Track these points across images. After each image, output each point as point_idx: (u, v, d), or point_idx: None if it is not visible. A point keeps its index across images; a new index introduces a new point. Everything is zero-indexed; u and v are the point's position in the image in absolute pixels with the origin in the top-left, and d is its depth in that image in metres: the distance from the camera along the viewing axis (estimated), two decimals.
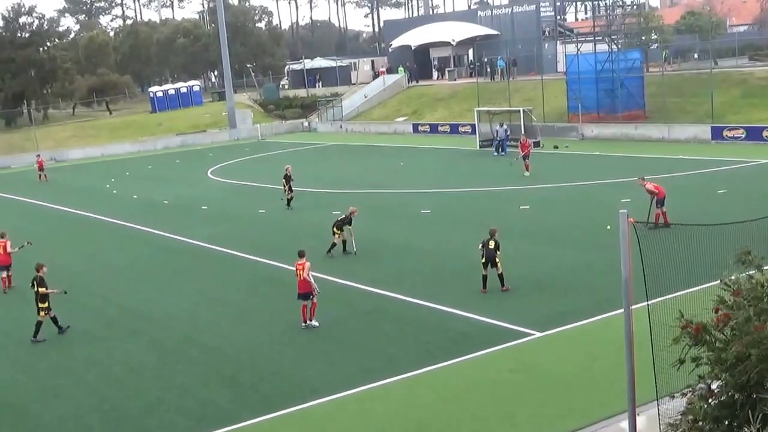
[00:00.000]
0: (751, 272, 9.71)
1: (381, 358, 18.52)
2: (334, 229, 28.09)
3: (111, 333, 22.03)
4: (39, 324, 21.44)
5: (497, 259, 22.27)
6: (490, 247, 22.25)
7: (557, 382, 16.47)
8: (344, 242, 28.20)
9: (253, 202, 40.91)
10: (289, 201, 37.65)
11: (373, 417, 15.70)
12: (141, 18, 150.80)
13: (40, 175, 57.51)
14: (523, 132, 51.57)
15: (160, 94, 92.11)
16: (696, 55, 71.17)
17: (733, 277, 9.73)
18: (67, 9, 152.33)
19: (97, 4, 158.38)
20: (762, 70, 58.82)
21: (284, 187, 37.72)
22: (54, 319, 21.70)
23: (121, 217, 39.37)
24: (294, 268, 21.19)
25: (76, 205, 44.61)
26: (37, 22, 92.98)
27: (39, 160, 59.59)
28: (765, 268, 9.74)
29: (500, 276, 22.42)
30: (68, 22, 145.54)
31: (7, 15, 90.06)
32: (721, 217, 24.29)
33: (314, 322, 20.69)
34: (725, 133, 50.33)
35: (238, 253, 29.81)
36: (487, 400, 15.89)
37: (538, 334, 19.17)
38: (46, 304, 21.51)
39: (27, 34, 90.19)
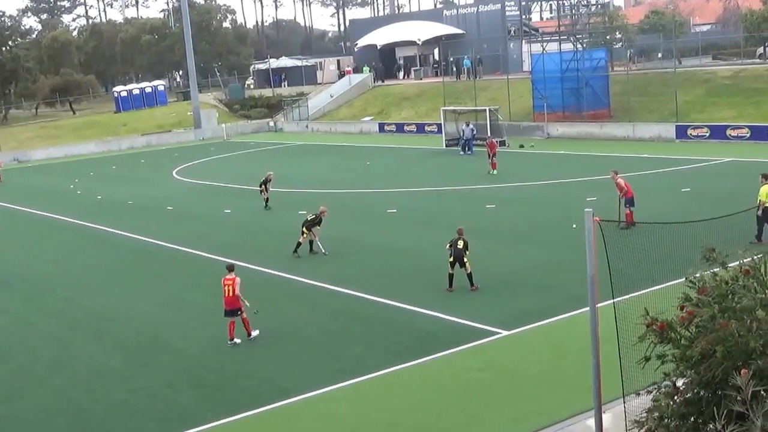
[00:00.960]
0: (715, 270, 9.80)
1: (349, 358, 18.50)
2: (303, 229, 28.01)
3: (76, 335, 21.84)
4: None
5: (466, 259, 22.34)
6: (458, 246, 22.29)
7: (524, 380, 16.55)
8: (311, 242, 28.12)
9: (219, 203, 40.70)
10: (266, 201, 37.51)
11: (342, 417, 15.67)
12: (105, 18, 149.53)
13: None
14: (489, 132, 51.91)
15: (124, 93, 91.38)
16: (660, 55, 71.82)
17: (698, 275, 9.81)
18: (30, 8, 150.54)
19: (60, 3, 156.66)
20: (725, 69, 59.55)
21: (261, 189, 37.56)
22: None
23: (85, 217, 39.01)
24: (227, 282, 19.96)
25: (40, 205, 44.15)
26: None
27: None
28: (729, 265, 9.84)
29: (469, 275, 22.45)
30: (30, 22, 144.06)
31: None
32: (685, 215, 24.55)
33: (255, 332, 20.09)
34: (689, 131, 50.86)
35: (204, 254, 29.63)
36: (455, 399, 15.92)
37: (505, 333, 19.24)
38: None
39: None
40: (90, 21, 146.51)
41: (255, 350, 19.51)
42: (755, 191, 25.11)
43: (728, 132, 49.17)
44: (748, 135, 48.21)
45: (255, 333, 20.11)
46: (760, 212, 24.40)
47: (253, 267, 26.98)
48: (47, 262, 30.92)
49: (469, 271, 22.43)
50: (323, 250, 27.78)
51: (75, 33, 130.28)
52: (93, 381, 18.32)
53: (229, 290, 19.78)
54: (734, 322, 8.94)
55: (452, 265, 22.45)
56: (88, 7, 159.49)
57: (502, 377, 16.84)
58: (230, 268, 20.38)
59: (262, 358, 18.96)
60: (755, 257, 9.64)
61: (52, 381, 18.57)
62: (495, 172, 42.43)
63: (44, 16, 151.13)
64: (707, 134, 50.00)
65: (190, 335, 20.89)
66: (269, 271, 26.52)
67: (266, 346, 19.74)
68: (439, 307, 21.33)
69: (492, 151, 43.39)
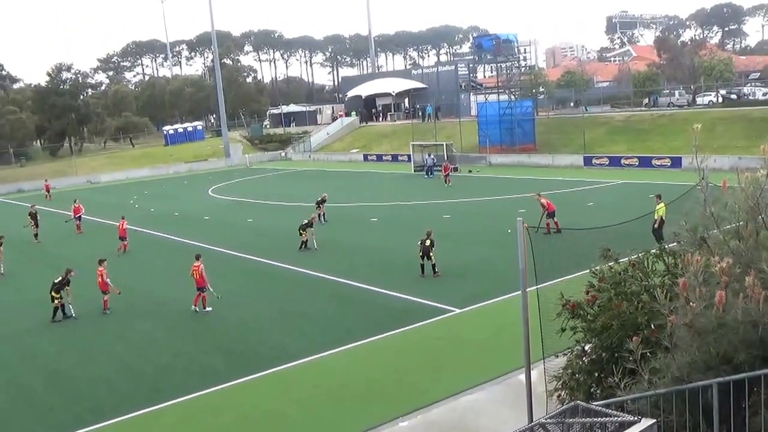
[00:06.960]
0: (611, 264, 9.92)
1: (341, 329, 18.45)
2: (300, 231, 28.50)
3: (135, 314, 21.59)
4: None
5: (432, 253, 22.57)
6: (426, 244, 22.59)
7: (472, 346, 16.58)
8: (304, 242, 28.34)
9: (244, 214, 40.50)
10: (321, 216, 34.26)
11: (335, 374, 15.65)
12: (157, 74, 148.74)
13: (46, 195, 56.56)
14: (446, 159, 52.12)
15: (171, 131, 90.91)
16: (572, 104, 72.40)
17: (598, 268, 9.92)
18: (100, 66, 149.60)
19: (123, 64, 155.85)
20: (620, 115, 60.01)
21: (316, 209, 34.42)
22: None
23: (142, 226, 38.67)
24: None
25: (108, 217, 43.69)
26: (74, 76, 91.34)
27: (46, 184, 59.19)
28: (621, 260, 9.98)
29: (433, 266, 22.71)
30: (100, 77, 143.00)
31: (51, 72, 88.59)
32: (590, 222, 24.67)
33: (208, 308, 20.65)
34: (594, 161, 51.19)
35: (232, 252, 29.50)
36: (421, 359, 15.94)
37: (458, 311, 19.26)
38: None
39: (67, 86, 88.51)
40: (145, 77, 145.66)
41: (269, 324, 19.41)
42: (641, 204, 25.16)
43: (622, 161, 49.50)
44: (636, 163, 48.58)
45: (208, 309, 20.58)
46: (656, 225, 22.44)
47: (265, 261, 26.95)
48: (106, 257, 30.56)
49: (433, 263, 22.65)
50: (316, 247, 28.06)
51: (133, 86, 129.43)
52: (146, 348, 18.19)
53: (196, 273, 20.75)
54: (626, 303, 9.06)
55: (422, 257, 22.68)
56: (144, 67, 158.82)
57: (456, 344, 16.84)
58: (197, 257, 21.34)
59: (274, 331, 18.86)
60: (640, 254, 9.80)
61: (114, 347, 18.42)
62: (449, 184, 42.99)
63: (110, 73, 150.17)
64: (607, 163, 50.34)
65: (218, 314, 20.70)
66: (279, 264, 26.42)
67: (278, 321, 19.65)
68: (410, 291, 21.32)
69: (446, 172, 44.00)
